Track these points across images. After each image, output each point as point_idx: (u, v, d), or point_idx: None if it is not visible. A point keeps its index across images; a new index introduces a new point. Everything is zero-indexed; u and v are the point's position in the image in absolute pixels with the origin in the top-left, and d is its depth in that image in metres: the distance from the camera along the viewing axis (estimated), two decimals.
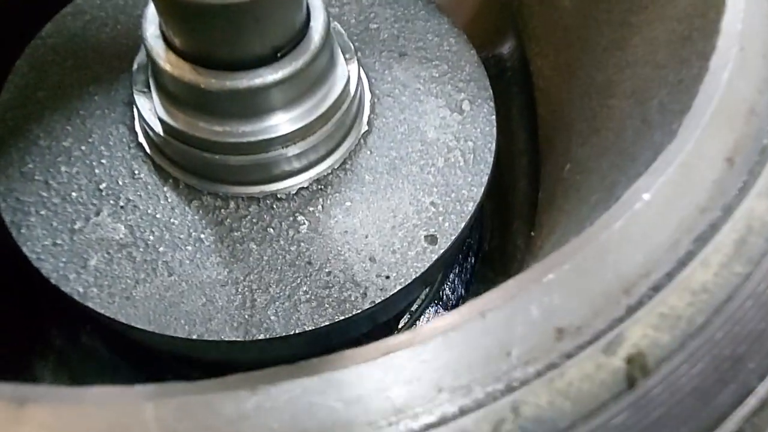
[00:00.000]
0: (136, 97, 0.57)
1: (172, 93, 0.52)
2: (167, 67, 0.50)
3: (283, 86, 0.51)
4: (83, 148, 0.60)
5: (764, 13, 0.36)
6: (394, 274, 0.56)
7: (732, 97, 0.31)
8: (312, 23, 0.52)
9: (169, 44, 0.50)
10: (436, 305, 0.86)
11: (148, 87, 0.56)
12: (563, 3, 0.68)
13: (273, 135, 0.53)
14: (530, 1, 0.76)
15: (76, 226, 0.56)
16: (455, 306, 0.84)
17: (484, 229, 0.88)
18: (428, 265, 0.56)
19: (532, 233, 0.72)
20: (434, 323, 0.25)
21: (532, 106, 0.81)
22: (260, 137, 0.53)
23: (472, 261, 0.87)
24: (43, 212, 0.57)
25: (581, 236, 0.26)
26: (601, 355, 0.22)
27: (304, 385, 0.24)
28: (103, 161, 0.60)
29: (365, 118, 0.63)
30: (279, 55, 0.49)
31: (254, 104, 0.51)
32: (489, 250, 0.88)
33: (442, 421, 0.22)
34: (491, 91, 0.68)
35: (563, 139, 0.68)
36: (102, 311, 0.52)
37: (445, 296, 0.87)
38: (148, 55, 0.51)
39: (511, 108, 0.89)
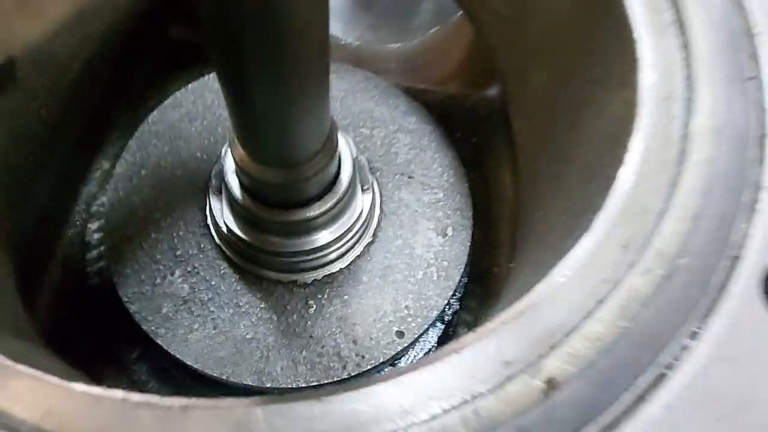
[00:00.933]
0: (210, 196, 0.80)
1: (238, 211, 0.75)
2: (237, 196, 0.72)
3: (313, 221, 0.73)
4: (168, 220, 0.84)
5: (664, 133, 0.45)
6: (368, 356, 0.78)
7: (631, 200, 0.44)
8: (341, 175, 0.74)
9: (240, 180, 0.72)
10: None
11: (220, 193, 0.79)
12: (535, 79, 0.78)
13: (303, 248, 0.76)
14: (507, 71, 0.88)
15: (156, 281, 0.80)
16: (451, 319, 0.92)
17: (476, 252, 1.03)
18: (394, 353, 0.78)
19: (511, 265, 0.83)
20: (430, 357, 0.39)
21: (512, 143, 0.91)
22: (293, 249, 0.75)
23: (465, 280, 0.99)
24: (135, 267, 0.81)
25: (526, 296, 0.41)
26: (529, 378, 0.37)
27: (349, 396, 0.38)
28: (180, 233, 0.83)
29: (372, 230, 0.85)
30: (309, 201, 0.71)
31: (291, 228, 0.74)
32: (480, 270, 0.97)
33: (433, 418, 0.36)
34: (472, 221, 0.88)
35: (536, 188, 0.80)
36: (165, 347, 0.76)
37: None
38: (224, 181, 0.74)
39: (498, 143, 1.03)
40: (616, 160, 0.46)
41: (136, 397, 0.33)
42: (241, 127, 0.59)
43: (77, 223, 0.95)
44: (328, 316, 0.80)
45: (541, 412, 0.33)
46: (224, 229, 0.78)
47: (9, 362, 0.33)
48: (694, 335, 0.36)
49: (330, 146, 0.65)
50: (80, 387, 0.33)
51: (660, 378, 0.34)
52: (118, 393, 0.33)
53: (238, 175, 0.72)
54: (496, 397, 0.34)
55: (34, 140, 0.79)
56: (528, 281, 0.57)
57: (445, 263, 0.85)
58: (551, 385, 0.34)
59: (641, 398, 0.34)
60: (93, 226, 0.93)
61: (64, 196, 0.94)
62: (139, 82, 1.02)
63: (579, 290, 0.38)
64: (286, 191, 0.68)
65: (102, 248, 0.90)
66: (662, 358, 0.35)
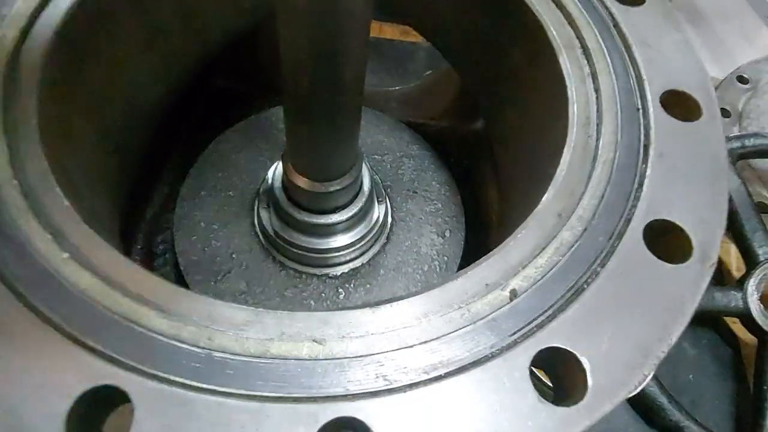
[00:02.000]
0: (260, 210, 1.02)
1: (283, 218, 0.97)
2: (284, 205, 0.95)
3: (342, 224, 0.95)
4: (225, 230, 1.06)
5: (583, 145, 0.67)
6: None
7: (563, 187, 0.64)
8: (363, 187, 0.97)
9: (286, 193, 0.95)
10: None
11: (268, 206, 1.02)
12: (507, 114, 0.99)
13: (333, 246, 0.98)
14: (487, 108, 1.09)
15: (218, 278, 1.01)
16: None
17: (470, 251, 1.21)
18: None
19: None
20: (439, 282, 0.57)
21: (496, 165, 1.10)
22: (326, 246, 0.97)
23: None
24: (202, 266, 1.02)
25: (499, 247, 0.60)
26: (500, 292, 0.56)
27: (391, 305, 0.54)
28: (235, 239, 1.05)
29: (386, 234, 1.07)
30: (338, 208, 0.94)
31: (326, 230, 0.96)
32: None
33: (445, 314, 0.53)
34: (465, 225, 1.11)
35: (513, 198, 0.99)
36: None
37: None
38: (274, 196, 0.96)
39: (484, 168, 1.26)
40: (556, 166, 0.69)
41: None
42: (296, 151, 0.82)
43: (142, 237, 1.16)
44: (354, 301, 1.01)
45: (508, 309, 0.55)
46: (272, 233, 1.00)
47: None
48: (602, 264, 0.58)
49: (357, 166, 0.88)
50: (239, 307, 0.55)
51: (580, 289, 0.56)
52: (250, 309, 0.55)
53: (285, 189, 0.95)
54: (481, 301, 0.55)
55: (116, 162, 1.02)
56: None
57: (446, 258, 1.07)
58: (513, 293, 0.56)
59: (569, 301, 0.55)
60: (158, 238, 1.15)
61: (133, 215, 1.16)
62: (192, 121, 1.26)
63: (530, 241, 0.60)
64: (323, 199, 0.91)
65: (167, 256, 1.12)
66: (582, 278, 0.57)
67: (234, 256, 1.04)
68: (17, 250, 0.53)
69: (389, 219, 1.08)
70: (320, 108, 0.69)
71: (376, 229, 1.02)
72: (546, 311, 0.55)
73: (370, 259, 1.04)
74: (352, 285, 1.02)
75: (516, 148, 0.97)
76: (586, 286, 0.56)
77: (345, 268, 1.03)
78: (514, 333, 0.53)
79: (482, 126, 1.32)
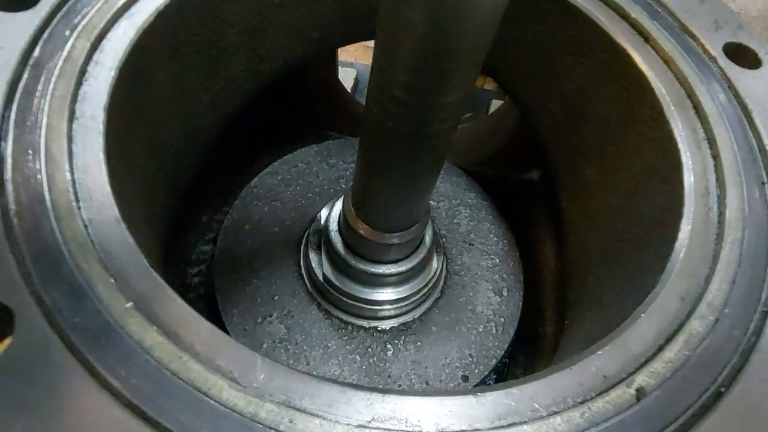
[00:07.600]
0: (309, 251, 0.95)
1: (337, 263, 0.89)
2: (340, 251, 0.87)
3: (400, 275, 0.87)
4: (267, 269, 0.98)
5: (704, 219, 0.60)
6: None
7: (685, 266, 0.58)
8: (425, 238, 0.89)
9: (342, 238, 0.88)
10: None
11: (319, 248, 0.94)
12: (585, 171, 0.93)
13: (386, 298, 0.90)
14: (559, 162, 1.02)
15: (258, 321, 0.93)
16: (503, 370, 1.02)
17: (523, 313, 1.07)
18: None
19: (566, 321, 0.95)
20: (551, 368, 0.50)
21: (556, 220, 1.06)
22: (378, 297, 0.89)
23: (513, 337, 1.05)
24: (240, 307, 0.94)
25: (615, 332, 0.54)
26: (625, 388, 0.49)
27: (498, 393, 0.48)
28: (278, 281, 0.97)
29: (440, 287, 0.99)
30: (398, 259, 0.86)
31: (381, 281, 0.88)
32: (527, 329, 1.08)
33: (562, 411, 0.47)
34: (523, 284, 1.03)
35: (585, 259, 0.93)
36: None
37: None
38: (328, 240, 0.89)
39: (538, 222, 1.18)
40: (667, 236, 0.61)
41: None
42: (365, 197, 0.76)
43: (177, 268, 1.09)
44: (403, 359, 0.92)
45: (636, 410, 0.47)
46: (321, 278, 0.92)
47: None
48: (740, 365, 0.50)
49: (425, 218, 0.81)
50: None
51: (717, 393, 0.48)
52: (335, 385, 0.47)
53: (341, 234, 0.88)
54: (602, 399, 0.47)
55: (164, 189, 0.95)
56: (592, 331, 0.71)
57: (502, 319, 0.98)
58: (640, 392, 0.48)
59: (705, 407, 0.47)
60: (193, 270, 1.08)
61: (170, 245, 1.09)
62: (233, 150, 1.20)
63: (652, 327, 0.52)
64: (384, 250, 0.83)
65: (201, 290, 1.04)
66: (718, 380, 0.49)
67: (276, 298, 0.96)
68: (76, 294, 0.45)
69: (443, 270, 1.00)
70: (405, 153, 0.62)
71: (433, 281, 0.94)
72: (679, 418, 0.47)
73: (422, 314, 0.96)
74: (401, 341, 0.94)
75: (593, 205, 0.90)
76: (723, 390, 0.48)
77: (395, 322, 0.94)
78: None
79: (538, 177, 1.26)
